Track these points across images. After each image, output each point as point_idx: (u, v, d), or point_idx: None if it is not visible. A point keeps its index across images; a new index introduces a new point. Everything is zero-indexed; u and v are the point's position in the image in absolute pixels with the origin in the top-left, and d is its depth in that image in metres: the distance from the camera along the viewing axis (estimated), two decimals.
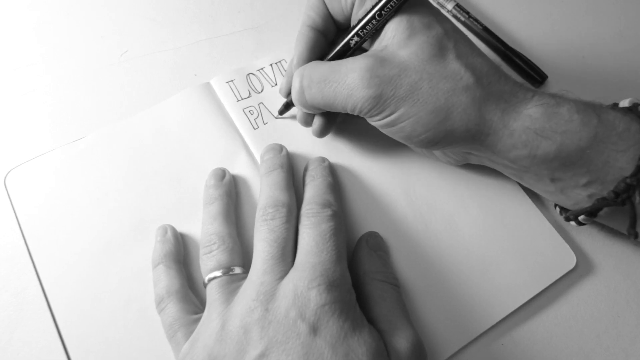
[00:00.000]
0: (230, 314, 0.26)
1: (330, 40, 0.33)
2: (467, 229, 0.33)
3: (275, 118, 0.36)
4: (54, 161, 0.34)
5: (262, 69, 0.38)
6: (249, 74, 0.38)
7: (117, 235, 0.32)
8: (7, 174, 0.33)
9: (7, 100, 0.37)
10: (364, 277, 0.30)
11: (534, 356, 0.30)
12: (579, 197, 0.29)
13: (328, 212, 0.29)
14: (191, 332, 0.27)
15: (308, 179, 0.32)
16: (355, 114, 0.30)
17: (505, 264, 0.32)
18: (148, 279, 0.30)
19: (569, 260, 0.32)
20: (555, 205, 0.33)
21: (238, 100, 0.37)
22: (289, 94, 0.35)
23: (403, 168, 0.35)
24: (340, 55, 0.31)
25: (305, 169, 0.34)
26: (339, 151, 0.35)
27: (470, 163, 0.33)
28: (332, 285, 0.26)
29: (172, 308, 0.28)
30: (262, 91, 0.37)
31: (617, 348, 0.31)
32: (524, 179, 0.31)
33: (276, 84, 0.38)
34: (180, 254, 0.31)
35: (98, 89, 0.38)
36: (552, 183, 0.29)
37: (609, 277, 0.33)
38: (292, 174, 0.33)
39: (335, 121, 0.34)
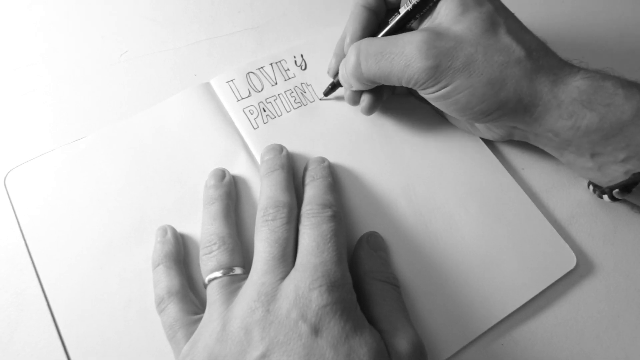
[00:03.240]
0: (231, 315, 0.26)
1: (381, 19, 0.34)
2: (467, 229, 0.33)
3: (320, 100, 0.37)
4: (54, 161, 0.34)
5: (262, 67, 0.38)
6: (249, 73, 0.38)
7: (117, 236, 0.32)
8: (7, 174, 0.33)
9: (7, 100, 0.37)
10: (365, 277, 0.30)
11: (534, 356, 0.30)
12: (616, 173, 0.30)
13: (328, 212, 0.29)
14: (191, 333, 0.27)
15: (308, 179, 0.32)
16: (410, 85, 0.31)
17: (505, 264, 0.32)
18: (148, 280, 0.30)
19: (569, 261, 0.32)
20: (589, 184, 0.34)
21: (238, 100, 0.37)
22: (336, 74, 0.35)
23: (403, 168, 0.35)
24: (390, 34, 0.32)
25: (305, 169, 0.33)
26: (338, 151, 0.35)
27: (513, 139, 0.34)
28: (334, 286, 0.26)
29: (173, 308, 0.28)
30: (262, 90, 0.37)
31: (617, 348, 0.31)
32: (564, 155, 0.32)
33: (276, 83, 0.38)
34: (181, 254, 0.31)
35: (98, 89, 0.38)
36: (592, 159, 0.30)
37: (609, 277, 0.33)
38: (293, 174, 0.33)
39: (382, 98, 0.35)
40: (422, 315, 0.30)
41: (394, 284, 0.30)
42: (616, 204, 0.35)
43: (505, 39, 0.29)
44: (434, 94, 0.30)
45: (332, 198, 0.31)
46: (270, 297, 0.26)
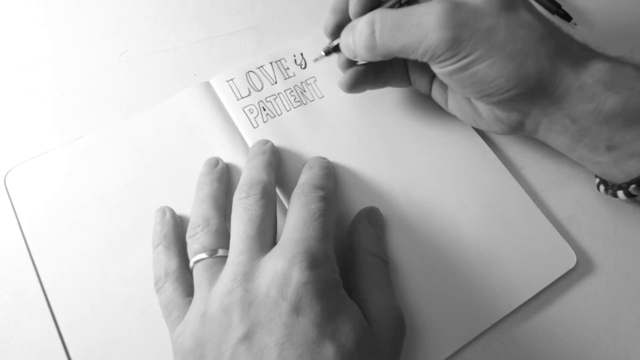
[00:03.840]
0: (210, 297, 0.26)
1: None
2: (467, 228, 0.33)
3: (314, 61, 0.34)
4: (54, 160, 0.34)
5: (262, 66, 0.38)
6: (248, 72, 0.38)
7: (117, 235, 0.32)
8: (7, 174, 0.33)
9: (7, 100, 0.37)
10: (358, 248, 0.30)
11: (534, 355, 0.30)
12: (633, 169, 0.29)
13: (320, 193, 0.29)
14: (185, 314, 0.27)
15: (305, 169, 0.32)
16: (426, 59, 0.29)
17: (505, 263, 0.32)
18: (148, 279, 0.30)
19: (569, 260, 0.32)
20: (598, 185, 0.33)
21: (238, 99, 0.37)
22: (333, 34, 0.33)
23: (403, 167, 0.35)
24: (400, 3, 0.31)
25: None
26: (338, 151, 0.35)
27: (521, 133, 0.32)
28: (315, 263, 0.25)
29: (168, 288, 0.28)
30: (262, 89, 0.37)
31: (617, 347, 0.31)
32: (577, 150, 0.30)
33: (276, 82, 0.38)
34: (180, 235, 0.31)
35: (98, 89, 0.38)
36: (608, 152, 0.29)
37: (609, 277, 0.33)
38: (279, 163, 0.33)
39: (372, 83, 0.34)
40: (422, 314, 0.30)
41: (385, 260, 0.30)
42: (618, 204, 0.35)
43: (527, 16, 0.28)
44: (450, 67, 0.29)
45: (326, 183, 0.30)
46: (247, 277, 0.25)
